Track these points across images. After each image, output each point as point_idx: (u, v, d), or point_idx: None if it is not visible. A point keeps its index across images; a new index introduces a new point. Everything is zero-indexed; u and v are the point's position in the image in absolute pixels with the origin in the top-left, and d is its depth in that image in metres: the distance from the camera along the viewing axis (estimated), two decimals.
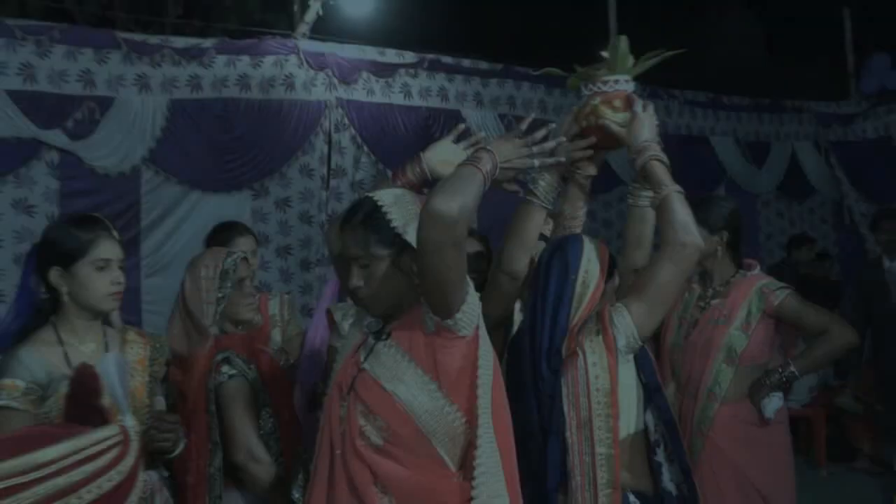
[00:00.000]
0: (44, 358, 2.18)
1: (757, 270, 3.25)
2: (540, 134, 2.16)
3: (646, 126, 2.31)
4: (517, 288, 2.45)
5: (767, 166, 7.98)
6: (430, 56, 6.23)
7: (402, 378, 1.86)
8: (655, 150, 2.30)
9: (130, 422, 1.26)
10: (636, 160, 2.32)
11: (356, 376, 1.94)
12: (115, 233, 2.34)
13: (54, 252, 2.27)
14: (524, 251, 2.40)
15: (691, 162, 7.45)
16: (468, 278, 1.89)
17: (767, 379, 3.09)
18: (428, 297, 1.86)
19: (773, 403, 3.07)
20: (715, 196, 4.10)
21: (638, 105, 2.34)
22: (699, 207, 3.24)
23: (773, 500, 3.05)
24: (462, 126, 2.43)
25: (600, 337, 2.22)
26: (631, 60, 2.38)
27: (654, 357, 3.35)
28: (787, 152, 8.12)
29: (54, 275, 2.25)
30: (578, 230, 2.55)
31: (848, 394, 6.15)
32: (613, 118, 2.32)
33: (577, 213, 2.57)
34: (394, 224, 1.90)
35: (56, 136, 4.84)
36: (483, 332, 1.94)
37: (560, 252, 2.31)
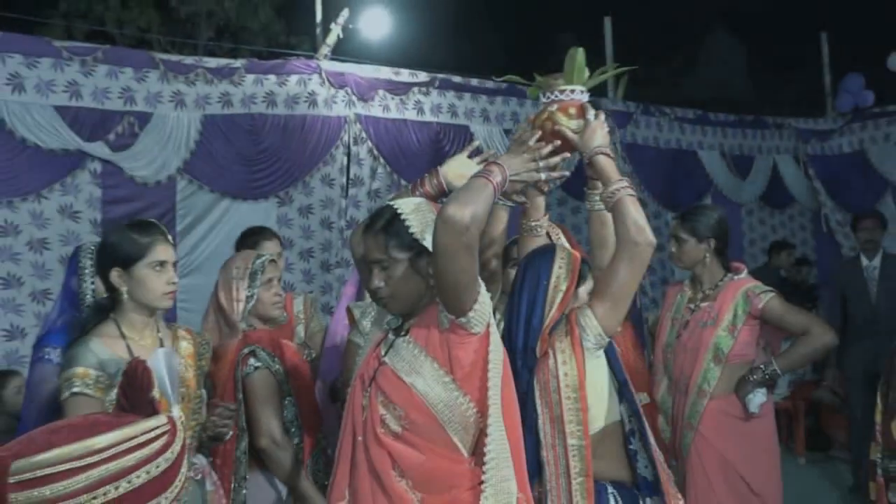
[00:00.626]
0: (111, 350, 2.19)
1: (744, 274, 3.22)
2: (546, 150, 2.16)
3: (598, 133, 2.26)
4: (487, 281, 2.47)
5: (751, 178, 7.95)
6: (441, 75, 6.23)
7: (420, 371, 1.87)
8: (603, 149, 2.26)
9: (177, 412, 1.26)
10: (588, 163, 2.30)
11: (377, 369, 1.95)
12: (169, 237, 2.35)
13: (115, 254, 2.27)
14: (492, 248, 2.42)
15: (681, 174, 7.48)
16: (479, 279, 1.89)
17: (752, 376, 3.07)
18: (443, 298, 1.87)
19: (758, 399, 3.05)
20: (703, 206, 4.07)
21: (591, 114, 2.30)
22: (688, 217, 3.24)
23: (757, 488, 3.03)
24: (477, 142, 2.45)
25: (569, 338, 2.21)
26: (587, 73, 2.35)
27: (650, 354, 3.37)
28: (769, 165, 8.09)
29: (114, 275, 2.25)
30: (543, 232, 2.54)
31: (825, 388, 6.13)
32: (568, 124, 2.28)
33: (539, 216, 2.54)
34: (412, 230, 1.91)
35: (99, 148, 4.85)
36: (493, 329, 1.93)
37: (535, 260, 2.32)
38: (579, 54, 2.32)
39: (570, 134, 2.26)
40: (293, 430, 2.67)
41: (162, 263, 2.27)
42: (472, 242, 1.81)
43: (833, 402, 6.08)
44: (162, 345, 2.32)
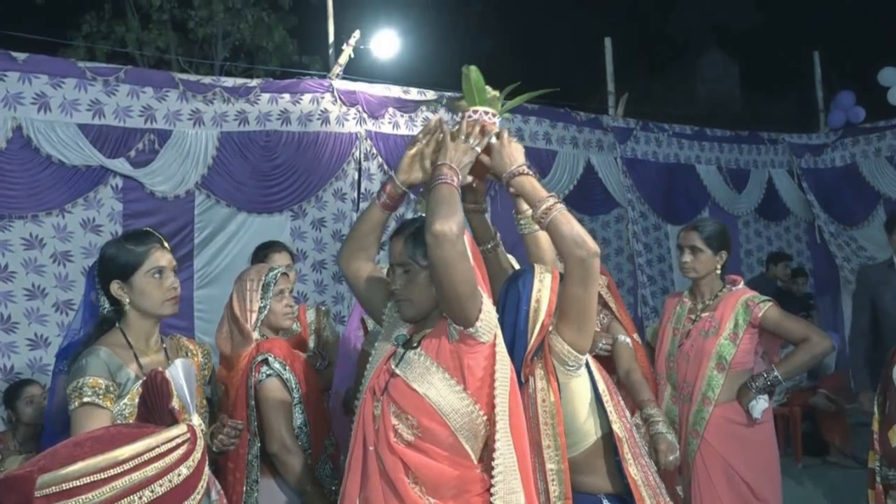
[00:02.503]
0: (121, 360, 2.14)
1: (741, 285, 3.22)
2: (468, 128, 2.10)
3: (507, 154, 2.13)
4: None
5: (747, 191, 7.95)
6: (448, 93, 6.22)
7: (432, 381, 1.87)
8: (520, 169, 2.12)
9: (197, 421, 1.25)
10: (507, 186, 2.17)
11: (388, 381, 1.94)
12: (165, 243, 2.27)
13: (113, 267, 2.21)
14: None
15: (680, 187, 7.48)
16: (480, 289, 1.89)
17: (754, 383, 3.05)
18: (448, 310, 1.87)
19: (760, 405, 3.04)
20: (712, 219, 3.94)
21: (491, 137, 2.14)
22: (704, 228, 3.20)
23: (759, 492, 3.01)
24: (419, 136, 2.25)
25: (544, 364, 2.16)
26: (487, 92, 2.18)
27: (650, 362, 3.34)
28: (764, 178, 8.09)
29: (115, 287, 2.20)
30: (499, 250, 2.39)
31: (821, 394, 6.09)
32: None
33: (489, 236, 2.37)
34: None
35: (120, 164, 4.86)
36: (500, 339, 1.93)
37: (514, 285, 2.21)
38: (472, 73, 2.16)
39: (484, 157, 2.14)
40: (302, 436, 2.67)
41: (161, 270, 2.21)
42: (464, 249, 1.83)
43: (829, 408, 6.04)
44: (167, 355, 2.28)
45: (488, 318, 1.87)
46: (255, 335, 2.69)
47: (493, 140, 2.15)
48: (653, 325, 3.67)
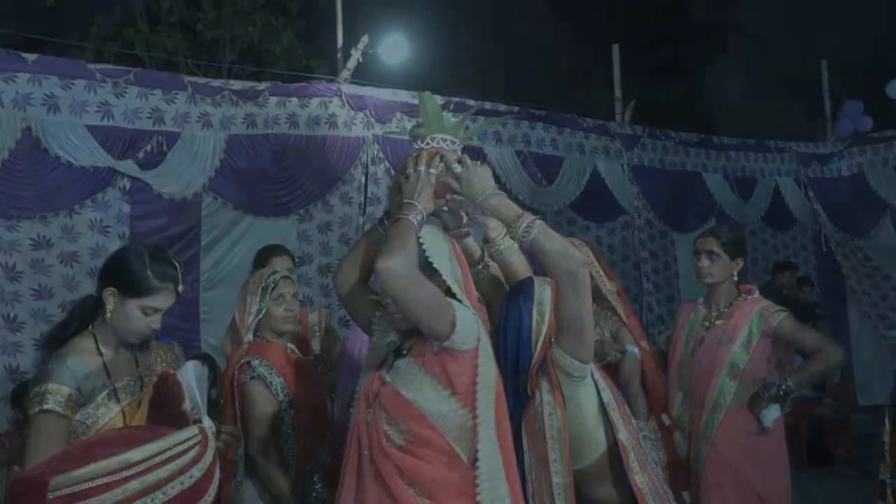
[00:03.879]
0: (88, 368, 2.07)
1: (756, 295, 3.22)
2: (413, 159, 2.10)
3: (473, 183, 2.07)
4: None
5: (753, 199, 7.92)
6: (456, 99, 6.22)
7: (421, 389, 1.90)
8: (494, 193, 2.08)
9: (208, 423, 1.24)
10: (481, 212, 2.13)
11: (380, 389, 1.97)
12: (180, 284, 2.19)
13: (119, 276, 2.14)
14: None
15: (686, 195, 7.46)
16: (449, 301, 1.92)
17: (766, 392, 3.06)
18: (421, 328, 1.91)
19: (772, 414, 3.04)
20: (731, 225, 3.90)
21: (454, 165, 2.08)
22: (722, 235, 3.21)
23: (768, 500, 3.02)
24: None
25: (548, 378, 2.16)
26: (444, 118, 2.15)
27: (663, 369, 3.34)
28: (771, 187, 8.06)
29: (107, 293, 2.13)
30: (490, 271, 2.33)
31: (826, 404, 6.07)
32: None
33: (475, 258, 2.31)
34: (427, 253, 1.95)
35: (128, 166, 4.87)
36: (483, 344, 1.95)
37: (514, 298, 2.17)
38: (427, 99, 2.14)
39: (454, 184, 2.09)
40: (289, 441, 2.67)
41: (155, 310, 2.14)
42: (413, 276, 1.85)
43: (835, 417, 6.02)
44: (137, 363, 2.21)
45: (465, 327, 1.90)
46: (248, 337, 2.72)
47: (458, 168, 2.08)
48: (667, 331, 3.67)
